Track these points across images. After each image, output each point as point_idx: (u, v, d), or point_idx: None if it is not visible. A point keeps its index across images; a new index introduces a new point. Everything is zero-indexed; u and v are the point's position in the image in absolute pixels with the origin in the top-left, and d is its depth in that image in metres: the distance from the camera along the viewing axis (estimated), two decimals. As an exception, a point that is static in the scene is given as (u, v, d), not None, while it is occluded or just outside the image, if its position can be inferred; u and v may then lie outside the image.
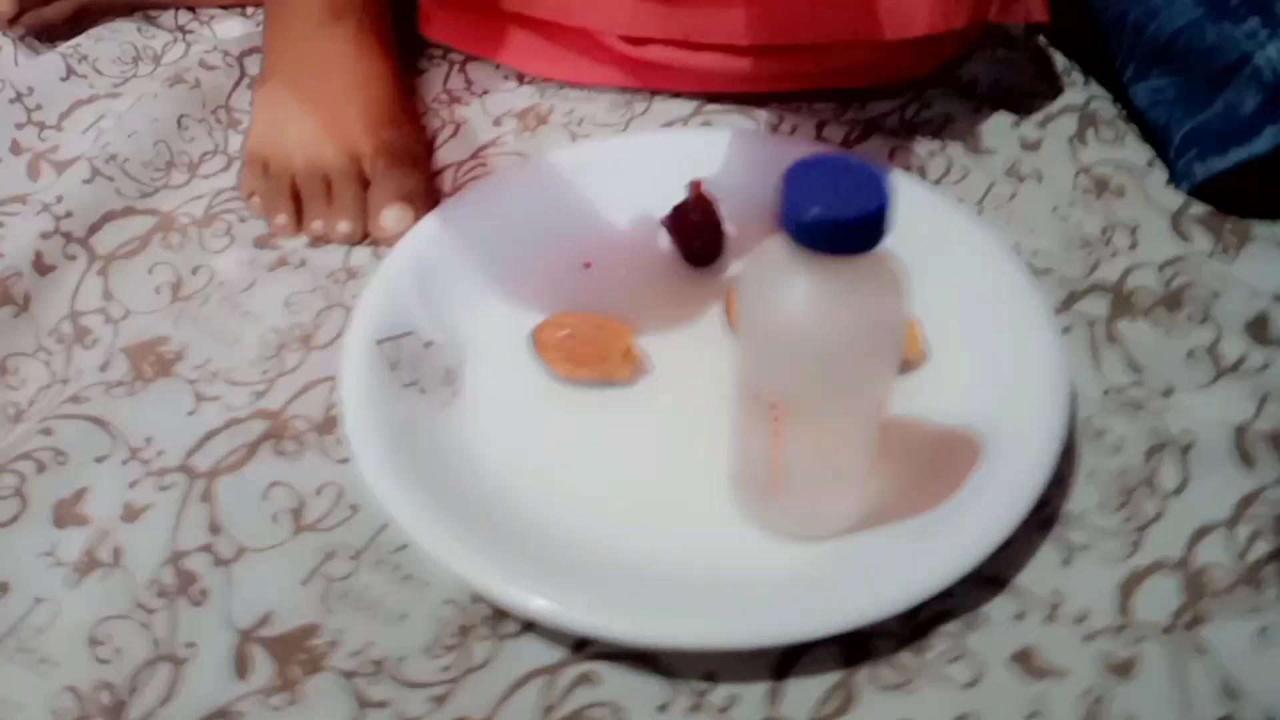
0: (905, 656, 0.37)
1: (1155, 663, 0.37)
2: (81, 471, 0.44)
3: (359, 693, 0.37)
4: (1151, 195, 0.54)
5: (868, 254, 0.31)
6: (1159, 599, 0.39)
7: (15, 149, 0.60)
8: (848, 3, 0.53)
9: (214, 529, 0.42)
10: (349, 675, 0.38)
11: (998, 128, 0.59)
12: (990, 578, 0.39)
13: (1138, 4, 0.56)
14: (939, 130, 0.59)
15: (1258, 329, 0.48)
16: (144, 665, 0.38)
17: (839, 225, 0.30)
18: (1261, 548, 0.40)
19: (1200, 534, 0.40)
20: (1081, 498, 0.42)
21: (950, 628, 0.38)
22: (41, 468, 0.44)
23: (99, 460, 0.45)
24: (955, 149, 0.57)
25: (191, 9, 0.70)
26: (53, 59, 0.65)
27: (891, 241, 0.32)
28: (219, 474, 0.44)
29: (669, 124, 0.60)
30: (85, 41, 0.67)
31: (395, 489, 0.40)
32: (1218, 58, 0.52)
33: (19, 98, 0.63)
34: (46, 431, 0.45)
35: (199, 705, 0.37)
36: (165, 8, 0.70)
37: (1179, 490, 0.42)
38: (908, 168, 0.56)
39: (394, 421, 0.43)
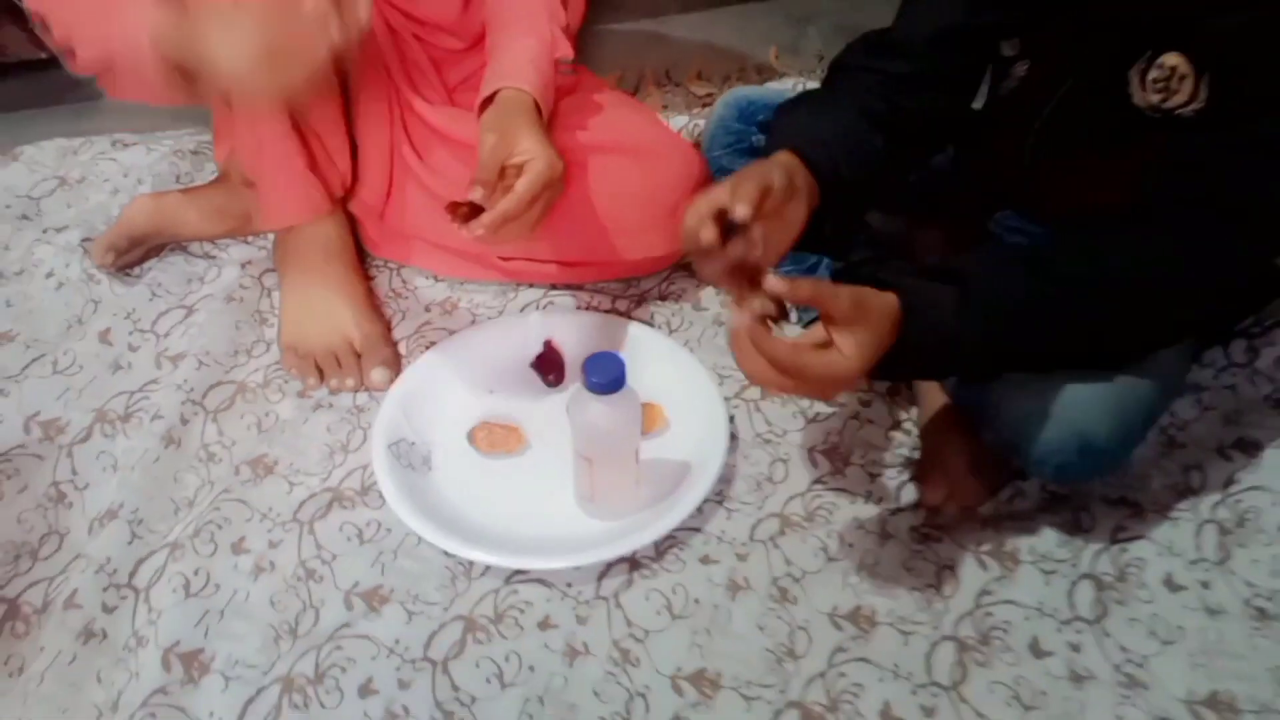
0: (654, 565, 0.83)
1: (759, 568, 0.83)
2: (240, 528, 0.85)
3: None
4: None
5: (619, 393, 0.77)
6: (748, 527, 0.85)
7: (132, 349, 1.00)
8: (619, 242, 1.00)
9: (317, 548, 0.84)
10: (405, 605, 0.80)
11: (709, 295, 1.06)
12: (695, 528, 0.85)
13: None
14: (678, 297, 1.06)
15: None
16: (300, 612, 0.80)
17: (604, 385, 0.76)
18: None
19: (785, 502, 0.88)
20: (736, 488, 0.88)
21: (676, 551, 0.83)
22: (217, 528, 0.85)
23: (246, 520, 0.86)
24: (686, 308, 1.05)
25: (213, 242, 1.12)
26: (140, 288, 1.06)
27: (632, 381, 0.77)
28: (313, 521, 0.86)
29: (530, 304, 1.05)
30: (155, 272, 1.08)
31: (408, 514, 0.82)
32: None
33: (127, 315, 1.03)
34: (215, 508, 0.86)
35: (328, 628, 0.79)
36: (199, 240, 1.11)
37: (784, 480, 0.89)
38: (659, 323, 1.03)
39: (402, 484, 0.85)
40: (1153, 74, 0.72)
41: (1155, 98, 0.72)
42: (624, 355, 0.77)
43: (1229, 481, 0.87)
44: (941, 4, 0.84)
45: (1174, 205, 0.70)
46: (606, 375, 0.76)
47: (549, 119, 0.91)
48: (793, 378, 0.63)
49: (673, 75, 1.42)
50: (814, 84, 1.32)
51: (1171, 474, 0.88)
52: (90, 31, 0.83)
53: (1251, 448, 0.89)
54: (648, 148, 0.99)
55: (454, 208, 0.81)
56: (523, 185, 0.81)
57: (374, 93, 0.98)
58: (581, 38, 1.47)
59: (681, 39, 1.50)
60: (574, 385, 0.84)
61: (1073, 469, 0.76)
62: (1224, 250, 0.70)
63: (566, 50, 0.94)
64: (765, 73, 1.43)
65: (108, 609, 0.80)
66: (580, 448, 0.81)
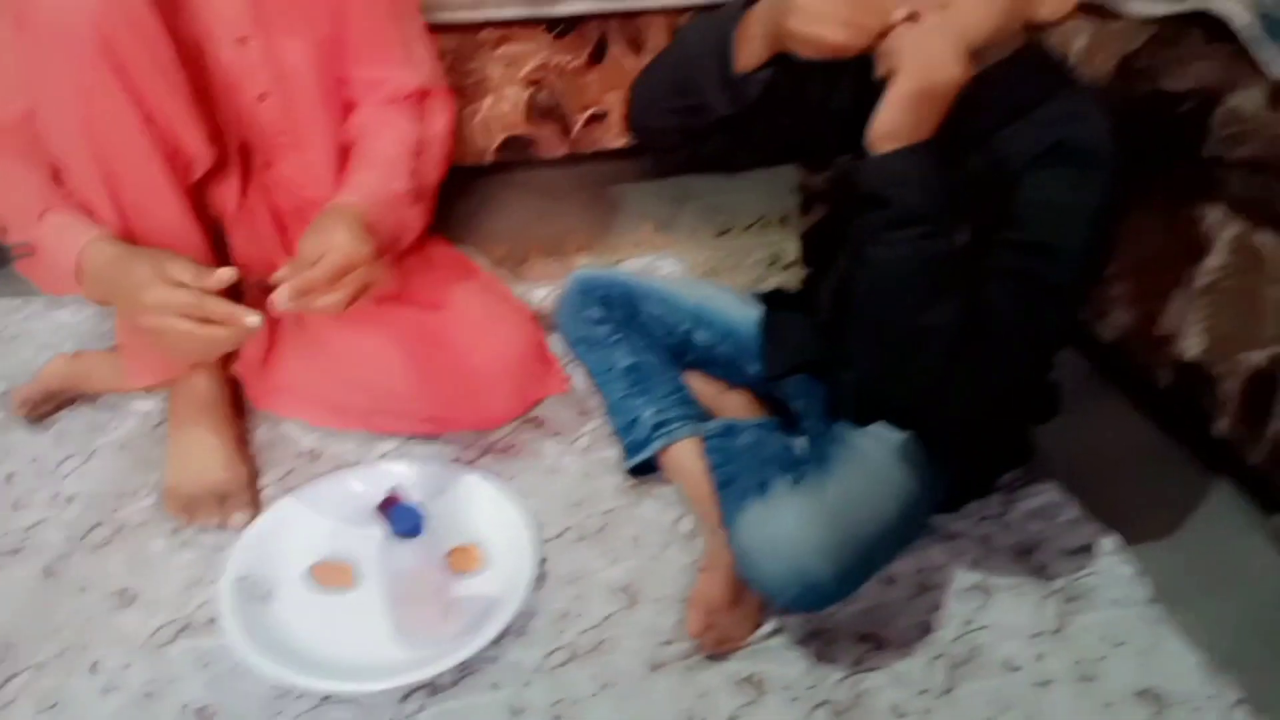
0: (451, 690, 0.94)
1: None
2: (97, 652, 0.97)
3: (231, 728, 0.92)
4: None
5: (417, 539, 0.91)
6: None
7: (32, 490, 1.14)
8: (458, 401, 1.15)
9: (163, 670, 0.96)
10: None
11: (548, 447, 1.21)
12: (493, 658, 0.97)
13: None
14: (519, 450, 1.21)
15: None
16: None
17: (405, 531, 0.90)
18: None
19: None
20: (537, 622, 1.01)
21: (472, 678, 0.95)
22: (79, 651, 0.97)
23: (104, 645, 0.98)
24: (525, 459, 1.19)
25: (118, 394, 1.27)
26: (48, 436, 1.21)
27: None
28: (163, 646, 0.98)
29: (389, 452, 1.20)
30: (65, 421, 1.23)
31: (239, 640, 0.95)
32: None
33: (33, 460, 1.18)
34: (79, 634, 0.98)
35: None
36: (106, 393, 1.27)
37: (580, 615, 1.01)
38: (497, 470, 1.17)
39: (241, 614, 0.98)
40: None
41: None
42: (458, 500, 0.93)
43: (967, 621, 1.01)
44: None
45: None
46: (407, 523, 0.90)
47: (386, 245, 1.04)
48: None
49: (558, 248, 1.61)
50: (667, 263, 1.52)
51: (919, 613, 1.02)
52: (18, 224, 1.01)
53: (989, 591, 1.03)
54: (484, 316, 1.16)
55: (265, 288, 0.92)
56: (320, 266, 0.92)
57: (256, 268, 1.15)
58: (478, 211, 1.68)
59: (572, 214, 1.69)
60: (383, 532, 0.97)
61: (801, 602, 0.89)
62: (990, 358, 0.84)
63: (403, 181, 1.09)
64: (643, 244, 1.62)
65: (-30, 724, 0.91)
66: (388, 586, 0.94)
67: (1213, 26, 1.06)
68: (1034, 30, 0.87)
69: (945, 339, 0.83)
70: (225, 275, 0.92)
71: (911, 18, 0.77)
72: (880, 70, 0.80)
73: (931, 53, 0.76)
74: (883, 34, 0.78)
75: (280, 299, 0.91)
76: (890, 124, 0.79)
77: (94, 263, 0.97)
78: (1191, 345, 1.17)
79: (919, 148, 0.80)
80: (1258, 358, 1.09)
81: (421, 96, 1.18)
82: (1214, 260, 1.13)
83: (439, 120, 1.20)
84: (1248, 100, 1.02)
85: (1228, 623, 1.01)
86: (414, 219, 1.14)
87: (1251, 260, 1.08)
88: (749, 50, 0.85)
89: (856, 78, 0.85)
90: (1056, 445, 1.15)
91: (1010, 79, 0.86)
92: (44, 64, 0.96)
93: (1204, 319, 1.15)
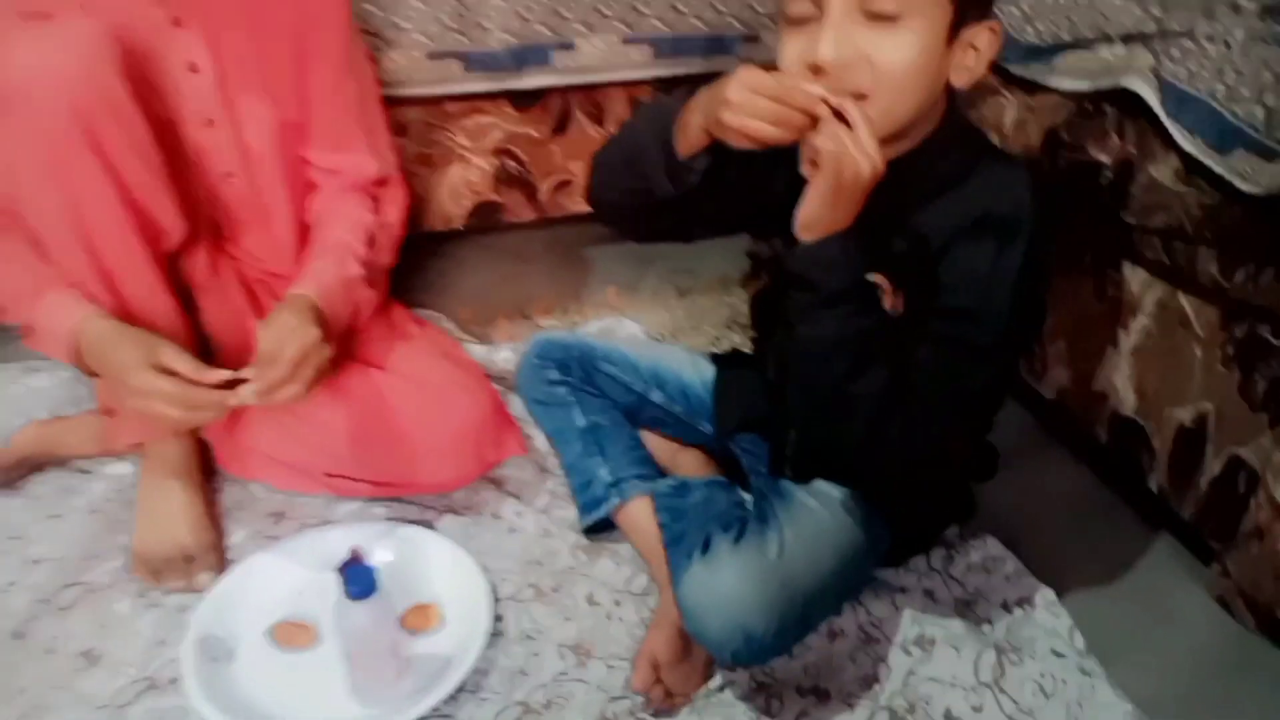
0: (412, 747, 0.97)
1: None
2: (61, 713, 0.99)
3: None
4: (567, 536, 1.21)
5: (370, 599, 0.94)
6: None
7: (1, 553, 1.17)
8: (415, 465, 1.19)
9: None
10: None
11: (506, 508, 1.25)
12: (448, 715, 0.99)
13: None
14: (479, 509, 1.24)
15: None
16: None
17: (358, 592, 0.93)
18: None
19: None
20: (491, 679, 1.04)
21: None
22: (43, 712, 0.99)
23: (68, 705, 1.00)
24: (485, 518, 1.23)
25: (90, 458, 1.30)
26: (19, 500, 1.24)
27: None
28: (125, 706, 1.00)
29: (352, 512, 1.23)
30: (36, 484, 1.26)
31: (197, 699, 0.97)
32: None
33: (3, 525, 1.21)
34: (41, 694, 1.01)
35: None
36: (79, 457, 1.30)
37: (534, 672, 1.04)
38: (456, 530, 1.20)
39: (201, 673, 1.00)
40: None
41: None
42: (410, 563, 0.95)
43: (909, 673, 1.04)
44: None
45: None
46: (360, 584, 0.93)
47: (348, 330, 1.11)
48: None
49: (524, 310, 1.66)
50: (628, 324, 1.57)
51: (863, 666, 1.05)
52: (15, 305, 1.06)
53: (930, 644, 1.06)
54: (440, 383, 1.20)
55: (231, 383, 0.98)
56: (279, 366, 0.98)
57: (224, 332, 1.20)
58: (447, 272, 1.73)
59: (540, 276, 1.75)
60: (336, 593, 1.00)
61: (742, 656, 0.92)
62: (919, 418, 0.89)
63: (356, 268, 1.15)
64: (606, 306, 1.68)
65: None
66: (344, 644, 0.97)
67: (1130, 101, 1.12)
68: (958, 102, 0.93)
69: (873, 404, 0.88)
70: (218, 376, 0.99)
71: (837, 111, 0.82)
72: (804, 163, 0.86)
73: (847, 151, 0.82)
74: (810, 126, 0.84)
75: (246, 397, 0.98)
76: (812, 216, 0.85)
77: (86, 339, 1.02)
78: (1125, 402, 1.22)
79: (839, 236, 0.85)
80: (1183, 414, 1.14)
81: (379, 184, 1.25)
82: (1141, 321, 1.18)
83: (393, 209, 1.27)
84: (1161, 171, 1.08)
85: (1163, 673, 1.05)
86: (368, 299, 1.21)
87: (1175, 321, 1.14)
88: (688, 138, 0.91)
89: (789, 164, 0.91)
90: (999, 500, 1.20)
91: (937, 154, 0.92)
92: (24, 143, 1.01)
93: (1134, 376, 1.20)
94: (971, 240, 0.90)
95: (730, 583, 0.91)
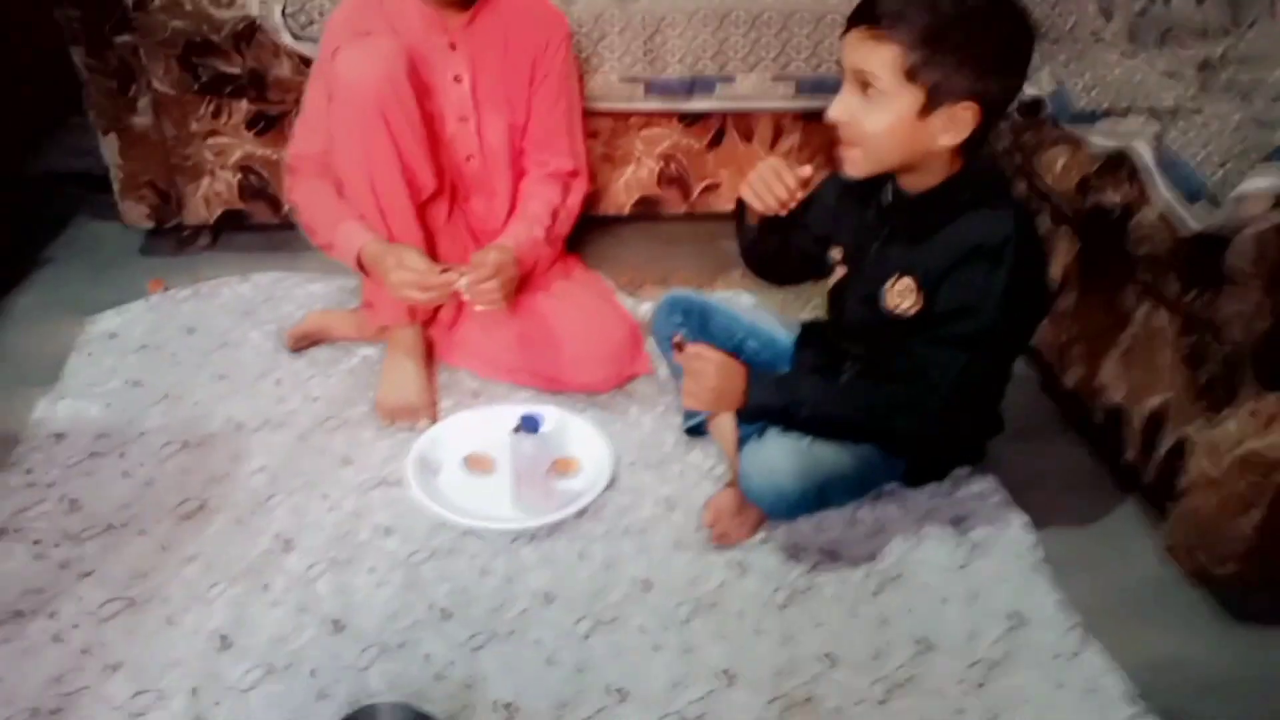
0: (544, 538, 1.44)
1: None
2: (327, 485, 1.52)
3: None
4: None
5: (535, 435, 1.42)
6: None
7: (289, 387, 1.72)
8: (575, 369, 1.67)
9: (370, 501, 1.50)
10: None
11: (634, 409, 1.70)
12: (595, 513, 1.46)
13: None
14: (615, 408, 1.70)
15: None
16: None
17: (528, 427, 1.41)
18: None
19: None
20: (606, 510, 1.49)
21: (560, 533, 1.45)
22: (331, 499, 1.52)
23: (333, 479, 1.52)
24: (620, 414, 1.69)
25: (350, 340, 1.85)
26: (303, 360, 1.80)
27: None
28: (368, 491, 1.52)
29: (526, 398, 1.71)
30: (315, 352, 1.81)
31: (416, 490, 1.47)
32: None
33: (294, 372, 1.76)
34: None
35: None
36: (345, 340, 1.84)
37: (632, 507, 1.49)
38: (598, 420, 1.67)
39: (419, 479, 1.50)
40: (897, 288, 1.31)
41: (893, 304, 1.31)
42: (564, 431, 1.46)
43: (902, 556, 1.43)
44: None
45: (896, 373, 1.29)
46: (531, 423, 1.41)
47: (531, 272, 1.63)
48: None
49: (666, 279, 2.12)
50: (745, 297, 2.00)
51: (869, 545, 1.45)
52: (322, 231, 1.60)
53: (922, 538, 1.45)
54: (596, 312, 1.68)
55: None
56: (484, 266, 1.49)
57: (451, 260, 1.71)
58: (613, 247, 2.20)
59: (682, 258, 2.20)
60: (513, 436, 1.48)
61: (774, 509, 1.35)
62: (924, 400, 1.27)
63: (540, 232, 1.65)
64: (731, 283, 2.11)
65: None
66: (513, 467, 1.45)
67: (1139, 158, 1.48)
68: (980, 154, 1.30)
69: (908, 427, 1.31)
70: (444, 273, 1.50)
71: (806, 181, 1.29)
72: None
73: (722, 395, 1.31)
74: (802, 187, 1.30)
75: (461, 284, 1.48)
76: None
77: (367, 255, 1.55)
78: (1116, 393, 1.56)
79: (771, 391, 1.33)
80: (1153, 401, 1.48)
81: (571, 175, 1.75)
82: (1131, 330, 1.53)
83: (576, 195, 1.77)
84: (1148, 214, 1.43)
85: (1100, 587, 1.40)
86: (546, 255, 1.72)
87: (1153, 331, 1.48)
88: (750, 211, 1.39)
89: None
90: (1012, 465, 1.56)
91: (955, 191, 1.27)
92: (345, 118, 1.55)
93: (1124, 373, 1.55)
94: (967, 265, 1.24)
95: (772, 455, 1.34)
